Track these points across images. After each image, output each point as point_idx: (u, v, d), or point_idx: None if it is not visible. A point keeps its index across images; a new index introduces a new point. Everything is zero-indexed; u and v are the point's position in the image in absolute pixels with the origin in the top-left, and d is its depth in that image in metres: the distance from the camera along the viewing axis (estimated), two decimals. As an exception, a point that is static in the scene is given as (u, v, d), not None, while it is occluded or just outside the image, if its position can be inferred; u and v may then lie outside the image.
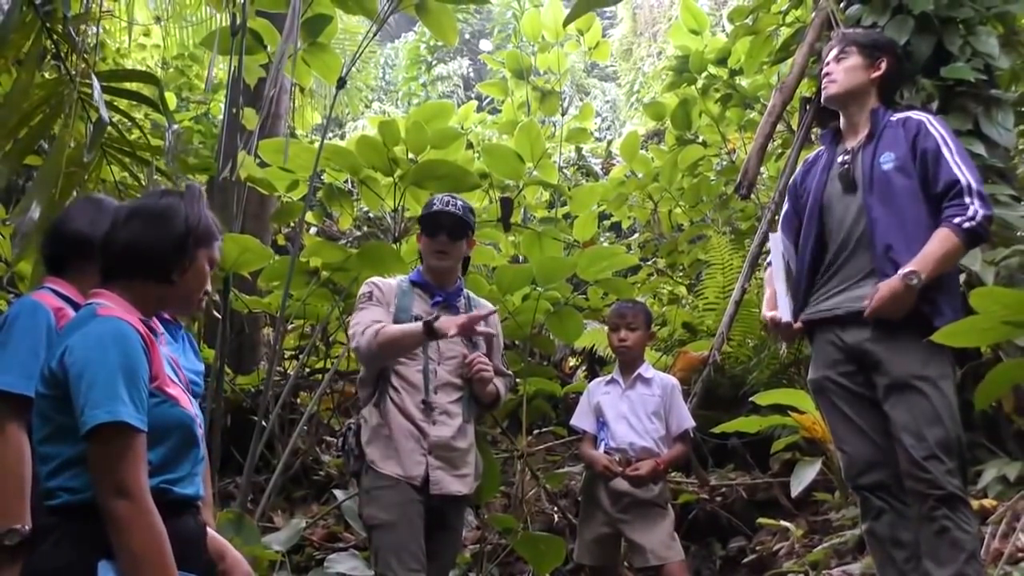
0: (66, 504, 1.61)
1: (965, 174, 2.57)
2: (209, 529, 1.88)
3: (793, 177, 3.06)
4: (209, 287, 1.87)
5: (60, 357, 1.63)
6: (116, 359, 1.59)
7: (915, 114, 2.75)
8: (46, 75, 3.61)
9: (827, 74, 2.85)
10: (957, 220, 2.53)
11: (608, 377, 3.68)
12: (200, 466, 1.79)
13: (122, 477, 1.55)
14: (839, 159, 2.82)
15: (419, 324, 2.82)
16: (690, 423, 3.54)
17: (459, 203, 3.05)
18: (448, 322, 2.79)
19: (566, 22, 3.77)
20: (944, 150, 2.62)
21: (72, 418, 1.58)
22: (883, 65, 2.80)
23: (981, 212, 2.52)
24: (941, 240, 2.53)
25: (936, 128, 2.67)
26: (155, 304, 1.81)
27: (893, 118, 2.75)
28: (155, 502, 1.59)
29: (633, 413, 3.48)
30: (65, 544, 1.60)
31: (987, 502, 3.28)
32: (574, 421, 3.68)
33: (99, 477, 1.56)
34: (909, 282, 2.49)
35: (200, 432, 1.78)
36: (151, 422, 1.63)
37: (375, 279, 3.11)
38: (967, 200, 2.54)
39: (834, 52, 2.87)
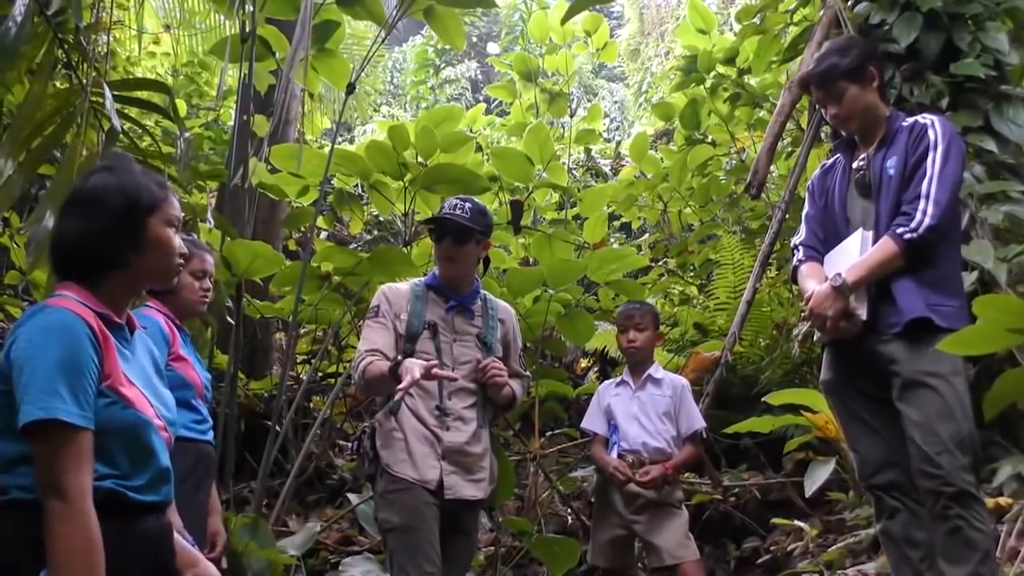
0: (17, 501, 1.54)
1: (932, 183, 2.56)
2: (181, 540, 1.80)
3: (809, 181, 3.06)
4: (183, 248, 1.75)
5: (7, 350, 1.56)
6: (57, 353, 1.51)
7: (923, 117, 2.73)
8: (57, 84, 3.64)
9: (834, 116, 2.80)
10: (900, 230, 2.55)
11: (618, 379, 3.68)
12: (165, 468, 1.69)
13: (57, 476, 1.48)
14: (855, 164, 2.81)
15: (387, 368, 2.77)
16: (700, 424, 3.53)
17: (468, 206, 3.00)
18: (410, 367, 2.69)
19: (564, 19, 3.78)
20: (930, 156, 2.60)
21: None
22: (875, 73, 2.78)
23: (925, 223, 2.52)
24: (879, 248, 2.58)
25: (935, 132, 2.64)
26: (127, 291, 1.72)
27: (905, 123, 2.74)
28: (108, 504, 1.53)
29: (644, 414, 3.48)
30: (14, 542, 1.53)
31: (1003, 500, 3.26)
32: (585, 424, 3.68)
33: (37, 474, 1.50)
34: (834, 284, 2.60)
35: (165, 436, 1.69)
36: (101, 422, 1.55)
37: (386, 287, 3.09)
38: (919, 206, 2.54)
39: (820, 96, 2.82)
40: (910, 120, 2.74)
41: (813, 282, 2.75)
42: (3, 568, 1.53)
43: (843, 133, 2.92)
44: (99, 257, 1.67)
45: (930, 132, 2.65)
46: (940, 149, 2.60)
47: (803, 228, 2.97)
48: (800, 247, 2.93)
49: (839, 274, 2.59)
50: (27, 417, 1.48)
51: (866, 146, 2.83)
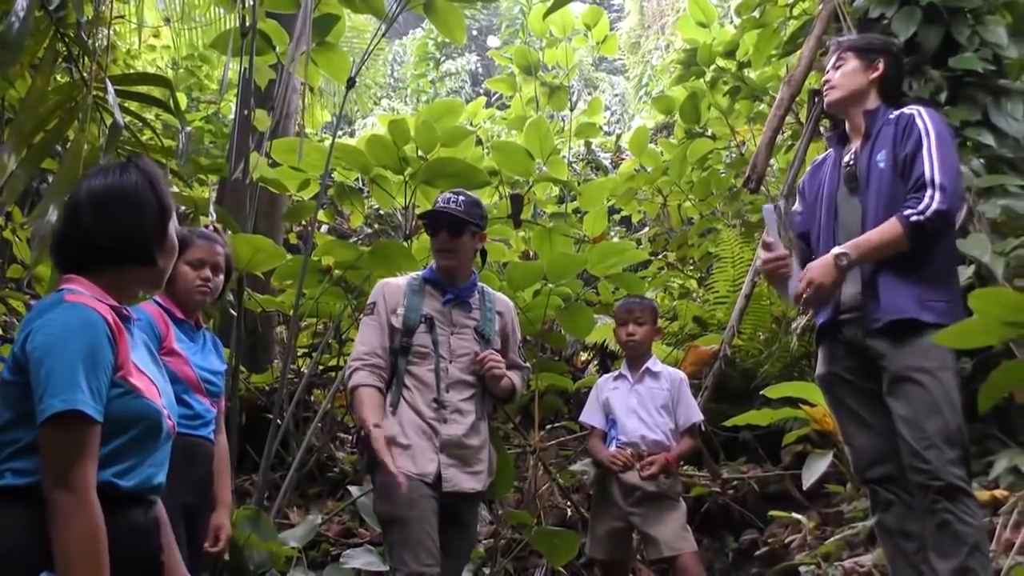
0: (10, 486, 1.56)
1: (934, 167, 2.56)
2: (175, 546, 1.81)
3: (801, 180, 3.09)
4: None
5: (23, 342, 1.59)
6: (78, 347, 1.56)
7: (909, 108, 2.75)
8: (58, 78, 3.65)
9: (827, 81, 2.90)
10: (907, 212, 2.54)
11: (616, 373, 3.70)
12: (159, 456, 1.72)
13: (69, 469, 1.52)
14: (845, 160, 2.85)
15: (368, 428, 2.81)
16: (698, 416, 3.55)
17: (461, 199, 3.03)
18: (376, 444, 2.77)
19: (546, 13, 3.81)
20: (924, 144, 2.61)
21: (33, 405, 1.54)
22: (880, 65, 2.82)
23: (934, 207, 2.52)
24: (884, 228, 2.57)
25: (923, 121, 2.66)
26: (135, 286, 1.79)
27: (891, 115, 2.76)
28: (103, 496, 1.56)
29: (643, 407, 3.50)
30: (12, 527, 1.55)
31: (998, 492, 3.29)
32: (583, 417, 3.70)
33: (47, 466, 1.53)
34: (838, 263, 2.58)
35: (169, 424, 1.73)
36: (111, 414, 1.59)
37: (383, 283, 3.11)
38: (926, 192, 2.54)
39: (832, 60, 2.91)
40: (895, 113, 2.76)
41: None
42: (7, 554, 1.54)
43: (827, 109, 2.99)
44: (131, 254, 1.72)
45: (918, 121, 2.66)
46: (933, 136, 2.62)
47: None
48: None
49: (844, 253, 2.57)
50: (50, 410, 1.51)
51: (855, 140, 2.86)
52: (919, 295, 2.56)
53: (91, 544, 1.51)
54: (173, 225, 1.80)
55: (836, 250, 2.60)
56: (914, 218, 2.53)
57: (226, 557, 3.06)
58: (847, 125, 2.91)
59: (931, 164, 2.57)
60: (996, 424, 3.63)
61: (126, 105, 3.54)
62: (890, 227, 2.56)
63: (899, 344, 2.57)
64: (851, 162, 2.81)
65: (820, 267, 2.62)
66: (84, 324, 1.59)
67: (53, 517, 1.51)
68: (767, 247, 2.77)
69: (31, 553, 1.52)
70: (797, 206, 3.01)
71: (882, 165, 2.69)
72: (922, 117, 2.67)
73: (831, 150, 2.97)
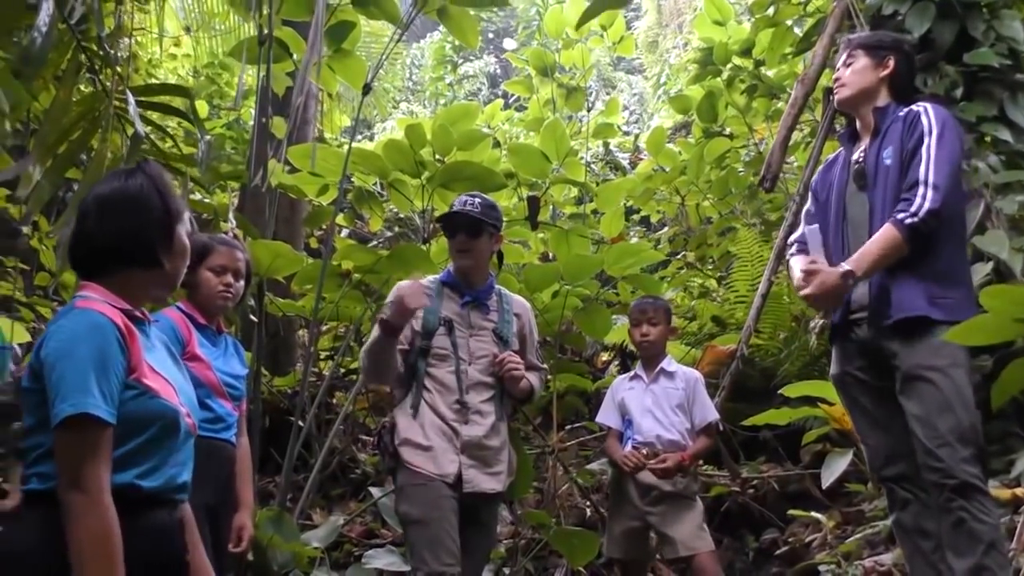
0: (35, 491, 1.62)
1: (929, 166, 2.56)
2: (196, 544, 1.85)
3: (813, 179, 3.09)
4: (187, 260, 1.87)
5: (38, 350, 1.64)
6: (87, 351, 1.59)
7: (917, 105, 2.74)
8: (81, 88, 3.71)
9: (837, 79, 2.91)
10: (900, 216, 2.54)
11: (631, 373, 3.71)
12: (180, 455, 1.76)
13: (80, 470, 1.55)
14: (854, 157, 2.85)
15: (377, 327, 2.85)
16: (714, 416, 3.55)
17: (477, 201, 3.07)
18: (390, 307, 2.82)
19: (579, 23, 3.83)
20: (925, 141, 2.61)
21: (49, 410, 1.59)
22: (890, 63, 2.83)
23: (926, 207, 2.51)
24: (882, 237, 2.56)
25: (928, 119, 2.65)
26: (145, 289, 1.81)
27: (900, 113, 2.76)
28: (125, 498, 1.60)
29: (658, 407, 3.51)
30: (31, 529, 1.61)
31: (1020, 491, 3.27)
32: (599, 418, 3.71)
33: (61, 468, 1.57)
34: (847, 281, 2.57)
35: (188, 422, 1.77)
36: (128, 415, 1.63)
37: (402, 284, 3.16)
38: (918, 192, 2.54)
39: (842, 58, 2.92)
40: (904, 110, 2.76)
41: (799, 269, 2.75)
42: (17, 553, 1.59)
43: (837, 107, 3.02)
44: (136, 256, 1.75)
45: (923, 119, 2.66)
46: (935, 134, 2.61)
47: (801, 225, 3.01)
48: (795, 243, 2.97)
49: (851, 271, 2.57)
50: (61, 414, 1.56)
51: (865, 137, 2.86)
52: (929, 292, 2.56)
53: (104, 544, 1.55)
54: (183, 228, 1.82)
55: (843, 268, 2.58)
56: (908, 221, 2.53)
57: (250, 557, 3.11)
58: (857, 123, 2.91)
59: (926, 163, 2.57)
60: (1017, 422, 3.60)
61: (147, 115, 3.60)
62: (888, 234, 2.56)
63: (910, 342, 2.56)
64: (860, 159, 2.81)
65: (827, 284, 2.59)
66: (92, 328, 1.63)
67: (67, 518, 1.55)
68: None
69: (48, 556, 1.57)
70: (809, 205, 3.02)
71: (888, 162, 2.69)
72: (927, 114, 2.67)
73: (841, 148, 2.97)
